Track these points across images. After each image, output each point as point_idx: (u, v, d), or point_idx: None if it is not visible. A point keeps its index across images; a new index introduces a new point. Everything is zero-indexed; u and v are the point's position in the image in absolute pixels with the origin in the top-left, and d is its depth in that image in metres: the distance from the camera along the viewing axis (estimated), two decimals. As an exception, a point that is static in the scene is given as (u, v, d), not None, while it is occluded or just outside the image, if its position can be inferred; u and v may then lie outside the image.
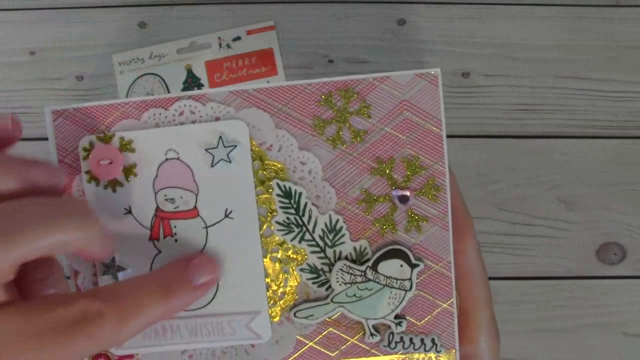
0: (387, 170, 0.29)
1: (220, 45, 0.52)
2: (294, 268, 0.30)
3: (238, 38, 0.52)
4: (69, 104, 0.30)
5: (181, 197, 0.29)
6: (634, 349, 0.52)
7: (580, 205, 0.52)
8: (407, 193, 0.29)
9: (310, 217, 0.29)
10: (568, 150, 0.52)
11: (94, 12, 0.52)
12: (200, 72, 0.52)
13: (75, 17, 0.52)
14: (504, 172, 0.52)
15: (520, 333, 0.52)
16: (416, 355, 0.30)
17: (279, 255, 0.30)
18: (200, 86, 0.52)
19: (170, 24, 0.52)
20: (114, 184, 0.29)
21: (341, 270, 0.29)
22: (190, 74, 0.52)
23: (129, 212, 0.29)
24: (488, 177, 0.52)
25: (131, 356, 0.30)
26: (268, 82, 0.51)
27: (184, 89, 0.51)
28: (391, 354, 0.30)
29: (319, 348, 0.30)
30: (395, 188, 0.29)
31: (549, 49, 0.52)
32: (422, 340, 0.29)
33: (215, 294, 0.30)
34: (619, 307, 0.52)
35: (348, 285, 0.29)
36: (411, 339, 0.29)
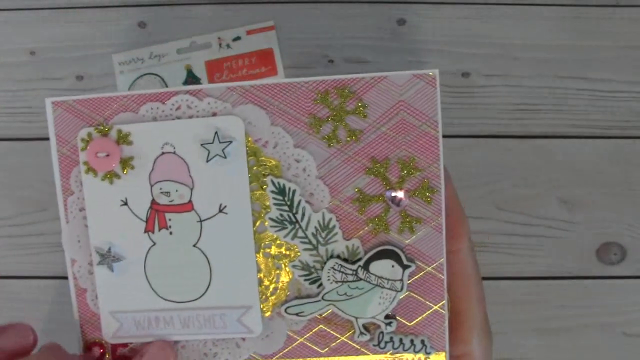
0: (382, 171, 0.29)
1: (220, 45, 0.52)
2: (286, 264, 0.30)
3: (238, 38, 0.52)
4: (68, 96, 0.30)
5: (176, 191, 0.29)
6: (634, 349, 0.52)
7: (580, 205, 0.52)
8: (401, 194, 0.29)
9: (303, 214, 0.29)
10: (568, 150, 0.52)
11: (94, 12, 0.52)
12: (200, 72, 0.52)
13: (75, 17, 0.52)
14: (504, 172, 0.52)
15: (520, 333, 0.52)
16: (405, 356, 0.30)
17: (271, 251, 0.30)
18: (200, 86, 0.52)
19: (170, 24, 0.52)
20: (111, 176, 0.30)
21: (333, 268, 0.29)
22: (190, 74, 0.52)
23: (125, 203, 0.30)
24: (488, 177, 0.52)
25: (125, 345, 0.31)
26: (268, 82, 0.51)
27: (184, 89, 0.51)
28: (380, 353, 0.30)
29: (309, 344, 0.30)
30: (389, 188, 0.29)
31: (549, 49, 0.52)
32: (411, 341, 0.29)
33: (208, 287, 0.30)
34: (619, 307, 0.52)
35: (339, 283, 0.29)
36: (401, 340, 0.29)
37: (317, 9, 0.52)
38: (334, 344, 0.30)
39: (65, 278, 0.52)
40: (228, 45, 0.52)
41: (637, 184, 0.52)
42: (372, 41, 0.52)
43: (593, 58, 0.52)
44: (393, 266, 0.29)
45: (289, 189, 0.29)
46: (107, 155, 0.29)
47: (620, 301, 0.52)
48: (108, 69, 0.52)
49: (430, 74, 0.28)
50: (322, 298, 0.29)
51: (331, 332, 0.30)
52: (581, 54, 0.52)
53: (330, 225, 0.29)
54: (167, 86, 0.52)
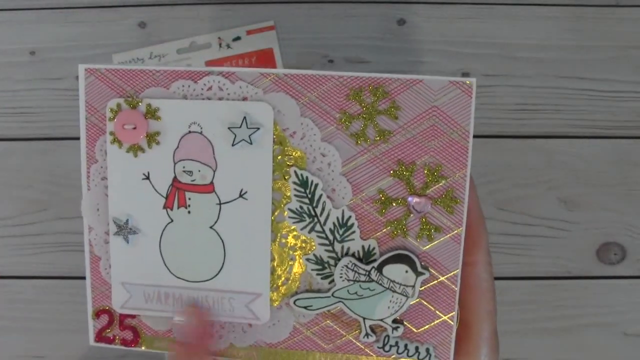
0: (407, 175, 0.29)
1: (220, 45, 0.52)
2: (300, 256, 0.30)
3: (238, 38, 0.52)
4: (100, 64, 0.30)
5: (199, 171, 0.29)
6: (634, 349, 0.52)
7: (580, 205, 0.52)
8: (424, 200, 0.29)
9: (323, 209, 0.29)
10: (568, 150, 0.52)
11: (94, 12, 0.52)
12: (200, 72, 0.52)
13: (75, 17, 0.52)
14: (504, 172, 0.52)
15: (520, 333, 0.52)
16: None
17: (287, 242, 0.30)
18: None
19: (170, 24, 0.52)
20: (135, 149, 0.30)
21: (346, 266, 0.29)
22: (190, 74, 0.52)
23: (147, 178, 0.30)
24: (488, 177, 0.52)
25: (133, 316, 0.31)
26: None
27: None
28: (384, 356, 0.30)
29: (314, 338, 0.30)
30: (412, 193, 0.29)
31: (549, 49, 0.52)
32: (416, 348, 0.29)
33: (221, 270, 0.30)
34: (619, 307, 0.52)
35: (351, 282, 0.29)
36: (406, 345, 0.29)
37: (317, 9, 0.52)
38: (339, 341, 0.30)
39: (66, 278, 0.52)
40: (228, 45, 0.52)
41: (637, 184, 0.52)
42: (372, 41, 0.52)
43: (593, 58, 0.52)
44: (407, 271, 0.29)
45: (312, 182, 0.29)
46: (134, 128, 0.29)
47: (620, 301, 0.52)
48: (108, 69, 0.52)
49: (468, 82, 0.28)
50: (332, 294, 0.29)
51: (337, 329, 0.30)
52: (581, 54, 0.52)
53: (349, 223, 0.29)
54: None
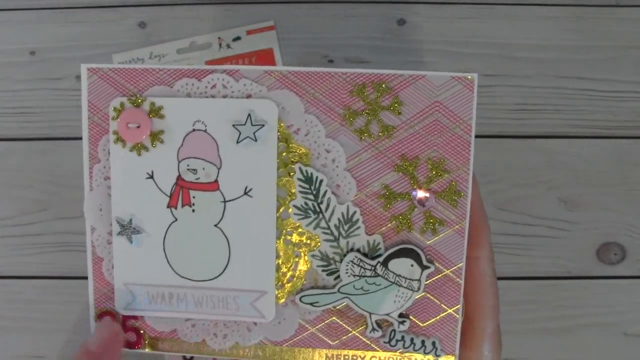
0: (411, 169, 0.29)
1: (220, 45, 0.52)
2: (305, 253, 0.30)
3: (238, 38, 0.52)
4: (104, 64, 0.30)
5: (203, 169, 0.29)
6: (634, 349, 0.52)
7: (580, 205, 0.52)
8: (428, 194, 0.29)
9: (328, 205, 0.29)
10: (568, 150, 0.52)
11: (94, 12, 0.52)
12: (200, 72, 0.52)
13: (75, 17, 0.52)
14: (504, 172, 0.52)
15: (520, 333, 0.52)
16: (415, 356, 0.30)
17: (292, 239, 0.30)
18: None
19: (170, 24, 0.52)
20: (139, 148, 0.30)
21: (352, 262, 0.29)
22: (190, 74, 0.52)
23: (151, 177, 0.30)
24: (488, 177, 0.52)
25: (136, 317, 0.31)
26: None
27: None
28: (390, 350, 0.30)
29: (319, 335, 0.30)
30: (416, 187, 0.29)
31: (549, 49, 0.52)
32: (422, 342, 0.29)
33: (225, 268, 0.30)
34: (619, 307, 0.52)
35: (357, 277, 0.29)
36: (412, 339, 0.29)
37: (317, 9, 0.52)
38: (344, 337, 0.30)
39: (66, 278, 0.52)
40: (228, 45, 0.52)
41: (637, 184, 0.52)
42: (372, 41, 0.52)
43: (593, 58, 0.52)
44: (412, 265, 0.29)
45: (317, 178, 0.29)
46: (138, 127, 0.29)
47: (620, 301, 0.52)
48: (108, 69, 0.52)
49: (469, 77, 0.28)
50: (338, 290, 0.29)
51: (343, 325, 0.30)
52: (581, 54, 0.52)
53: (354, 219, 0.29)
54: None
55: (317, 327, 0.30)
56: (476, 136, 0.54)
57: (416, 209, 0.29)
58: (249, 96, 0.29)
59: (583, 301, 0.52)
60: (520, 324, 0.52)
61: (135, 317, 0.31)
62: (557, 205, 0.52)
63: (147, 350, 0.31)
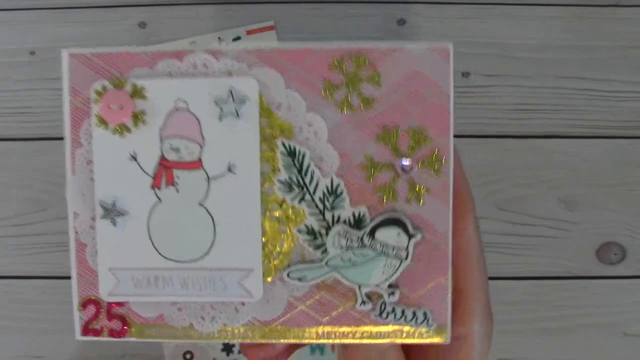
0: (392, 139, 0.29)
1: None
2: (291, 228, 0.30)
3: (238, 38, 0.52)
4: (86, 48, 0.30)
5: (186, 148, 0.29)
6: (634, 349, 0.52)
7: (580, 205, 0.52)
8: (410, 162, 0.29)
9: (312, 178, 0.29)
10: (568, 150, 0.52)
11: (94, 12, 0.52)
12: (200, 72, 0.52)
13: (75, 17, 0.52)
14: (504, 172, 0.52)
15: (520, 333, 0.52)
16: (406, 328, 0.29)
17: (277, 215, 0.30)
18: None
19: (170, 24, 0.52)
20: (121, 129, 0.30)
21: (338, 234, 0.29)
22: (190, 74, 0.52)
23: (134, 158, 0.30)
24: (488, 177, 0.52)
25: (121, 304, 0.30)
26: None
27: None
28: (382, 324, 0.29)
29: (309, 312, 0.30)
30: (398, 156, 0.29)
31: (549, 49, 0.52)
32: (414, 312, 0.29)
33: (211, 247, 0.30)
34: (619, 307, 0.52)
35: (344, 249, 0.29)
36: (403, 311, 0.29)
37: (317, 9, 0.52)
38: (334, 312, 0.30)
39: (66, 278, 0.52)
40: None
41: (637, 184, 0.52)
42: (372, 41, 0.52)
43: (593, 58, 0.52)
44: (399, 234, 0.29)
45: (300, 151, 0.29)
46: (121, 108, 0.29)
47: (620, 301, 0.52)
48: (108, 69, 0.52)
49: (446, 47, 0.28)
50: (326, 264, 0.29)
51: (333, 300, 0.30)
52: (581, 54, 0.52)
53: (338, 191, 0.29)
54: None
55: (306, 303, 0.30)
56: (476, 136, 0.54)
57: (400, 179, 0.29)
58: (229, 74, 0.29)
59: (583, 301, 0.52)
60: (520, 324, 0.52)
61: (120, 304, 0.30)
62: (557, 205, 0.52)
63: (133, 338, 0.30)
